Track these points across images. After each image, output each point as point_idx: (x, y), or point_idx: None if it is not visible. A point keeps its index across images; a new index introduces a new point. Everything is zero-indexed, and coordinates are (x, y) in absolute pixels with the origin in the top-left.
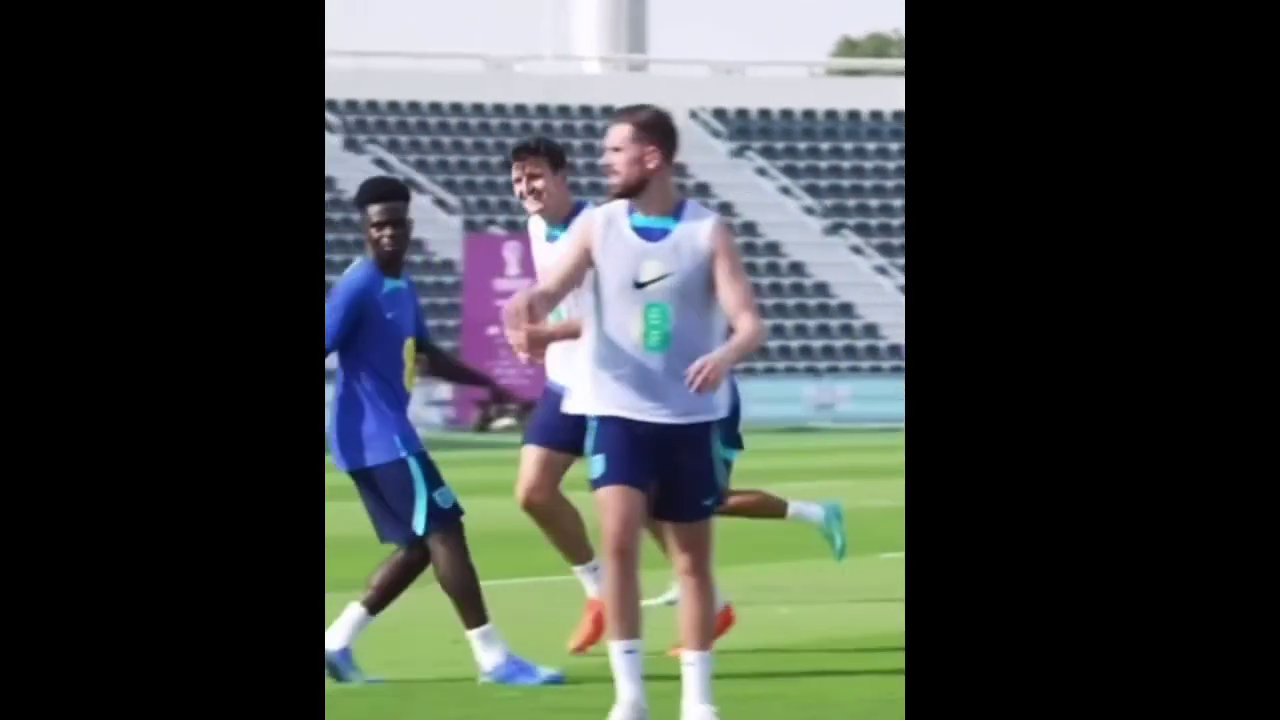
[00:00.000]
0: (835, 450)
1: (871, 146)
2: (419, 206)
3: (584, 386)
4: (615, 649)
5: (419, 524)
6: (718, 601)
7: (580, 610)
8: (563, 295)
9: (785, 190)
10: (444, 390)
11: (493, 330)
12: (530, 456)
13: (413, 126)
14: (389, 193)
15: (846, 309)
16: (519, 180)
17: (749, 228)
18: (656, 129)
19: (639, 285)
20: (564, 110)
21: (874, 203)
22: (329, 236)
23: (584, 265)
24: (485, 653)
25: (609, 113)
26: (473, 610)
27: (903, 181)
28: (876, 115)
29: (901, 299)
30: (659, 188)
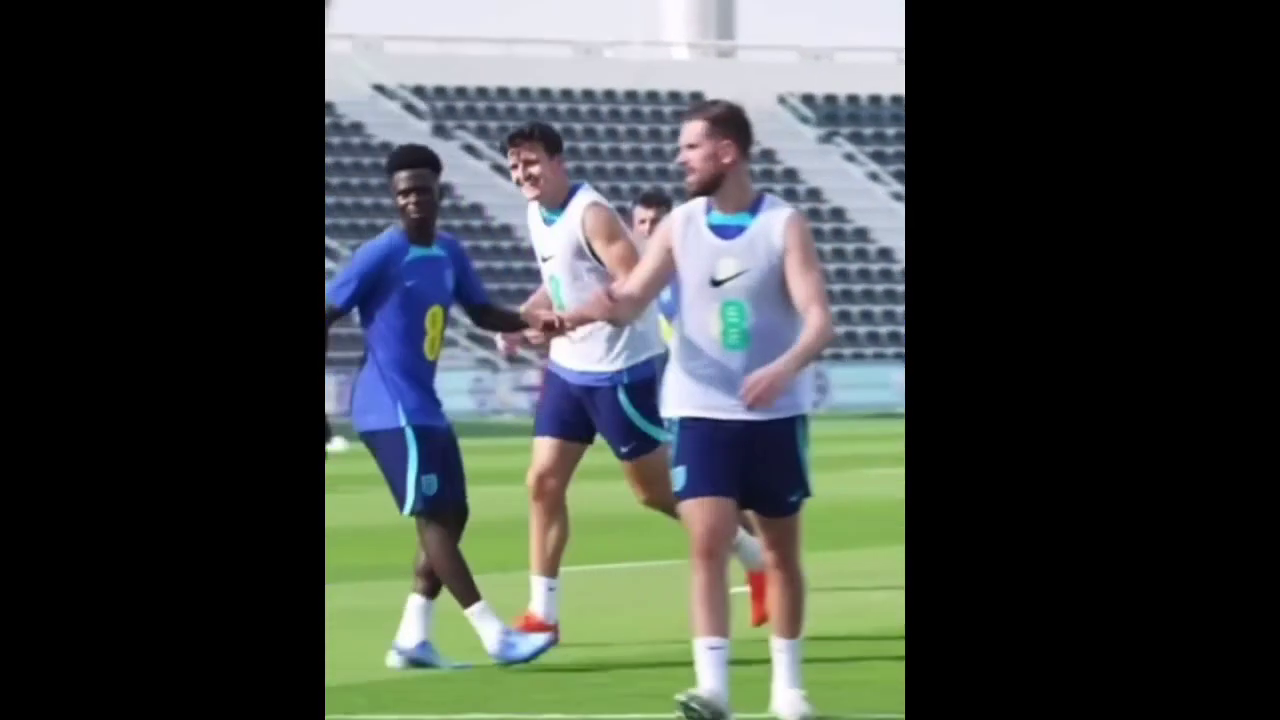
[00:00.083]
0: None
1: None
2: (507, 192)
3: (670, 387)
4: (700, 645)
5: (408, 501)
6: None
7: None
8: (649, 298)
9: (873, 176)
10: (533, 376)
11: None
12: (544, 444)
13: (501, 112)
14: (416, 160)
15: None
16: (515, 166)
17: (837, 214)
18: (731, 123)
19: (715, 283)
20: (653, 96)
21: None
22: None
23: (668, 265)
24: (484, 630)
25: (697, 98)
26: (463, 593)
27: None
28: None
29: None
30: (735, 183)
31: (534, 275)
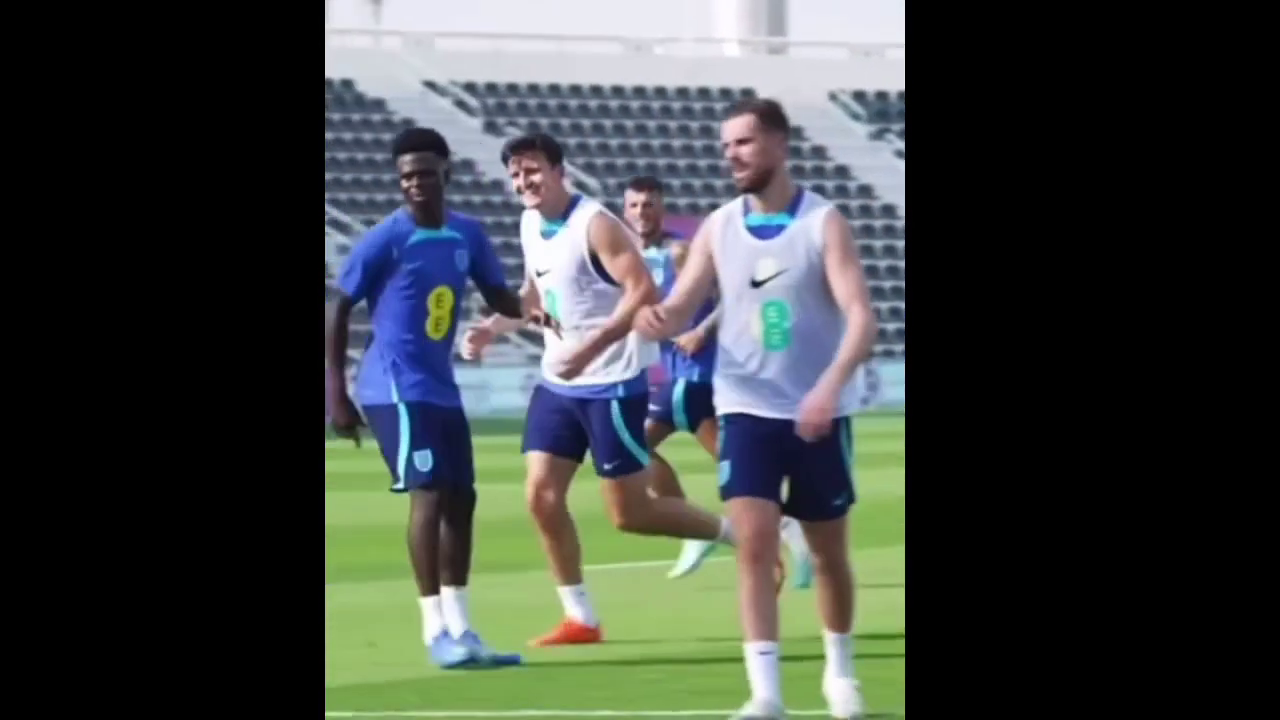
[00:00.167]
0: None
1: None
2: None
3: (717, 386)
4: (750, 650)
5: (400, 477)
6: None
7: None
8: (694, 306)
9: None
10: None
11: None
12: (536, 459)
13: (553, 109)
14: (420, 143)
15: None
16: (516, 175)
17: (888, 210)
18: (779, 119)
19: (755, 284)
20: (704, 93)
21: None
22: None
23: (710, 271)
24: (427, 624)
25: (749, 96)
26: (423, 577)
27: None
28: None
29: None
30: (780, 180)
31: None
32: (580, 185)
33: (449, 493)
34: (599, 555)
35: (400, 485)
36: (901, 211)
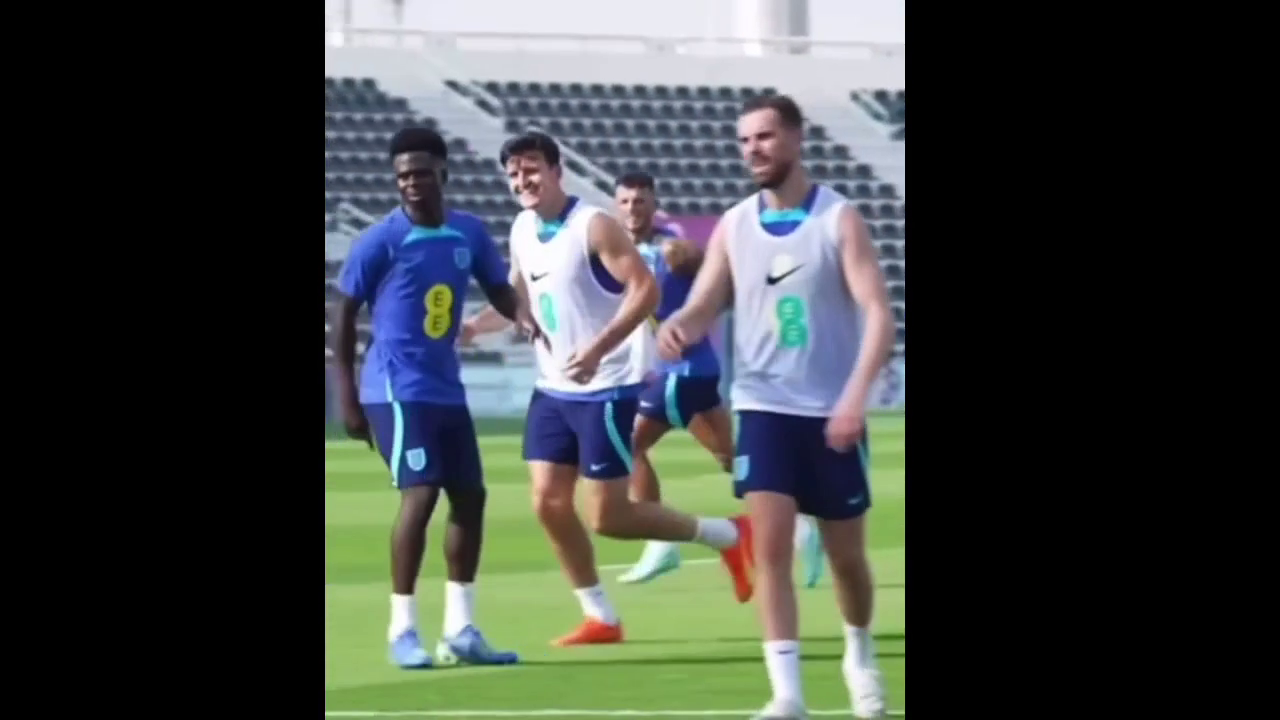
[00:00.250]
0: None
1: None
2: (581, 189)
3: (735, 385)
4: (770, 649)
5: (393, 475)
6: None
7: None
8: (713, 308)
9: None
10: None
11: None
12: (538, 468)
13: (575, 109)
14: (415, 143)
15: None
16: (515, 175)
17: None
18: (796, 114)
19: (771, 280)
20: (725, 93)
21: None
22: (490, 219)
23: (727, 270)
24: (394, 622)
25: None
26: (398, 575)
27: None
28: None
29: None
30: (796, 176)
31: None
32: (602, 185)
33: (456, 492)
34: (618, 555)
35: (397, 484)
36: None
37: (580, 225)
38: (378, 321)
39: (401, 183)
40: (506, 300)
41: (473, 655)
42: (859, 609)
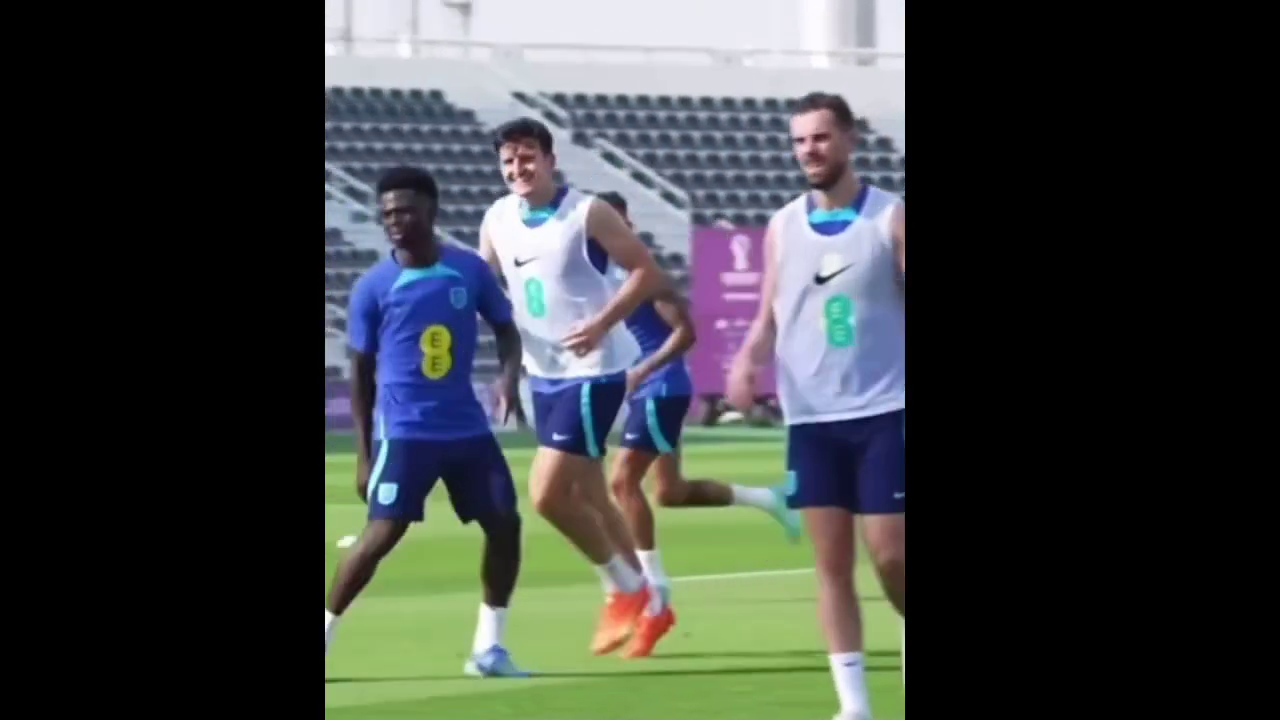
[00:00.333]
0: None
1: None
2: (647, 200)
3: (781, 393)
4: (836, 661)
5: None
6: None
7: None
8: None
9: None
10: None
11: (721, 324)
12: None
13: (641, 120)
14: (399, 181)
15: None
16: (510, 161)
17: None
18: (850, 115)
19: (820, 280)
20: (792, 104)
21: None
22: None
23: None
24: (328, 636)
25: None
26: (335, 595)
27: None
28: None
29: None
30: (848, 176)
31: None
32: (668, 196)
33: (483, 522)
34: (686, 567)
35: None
36: None
37: (579, 211)
38: (380, 365)
39: (386, 221)
40: (506, 340)
41: (494, 673)
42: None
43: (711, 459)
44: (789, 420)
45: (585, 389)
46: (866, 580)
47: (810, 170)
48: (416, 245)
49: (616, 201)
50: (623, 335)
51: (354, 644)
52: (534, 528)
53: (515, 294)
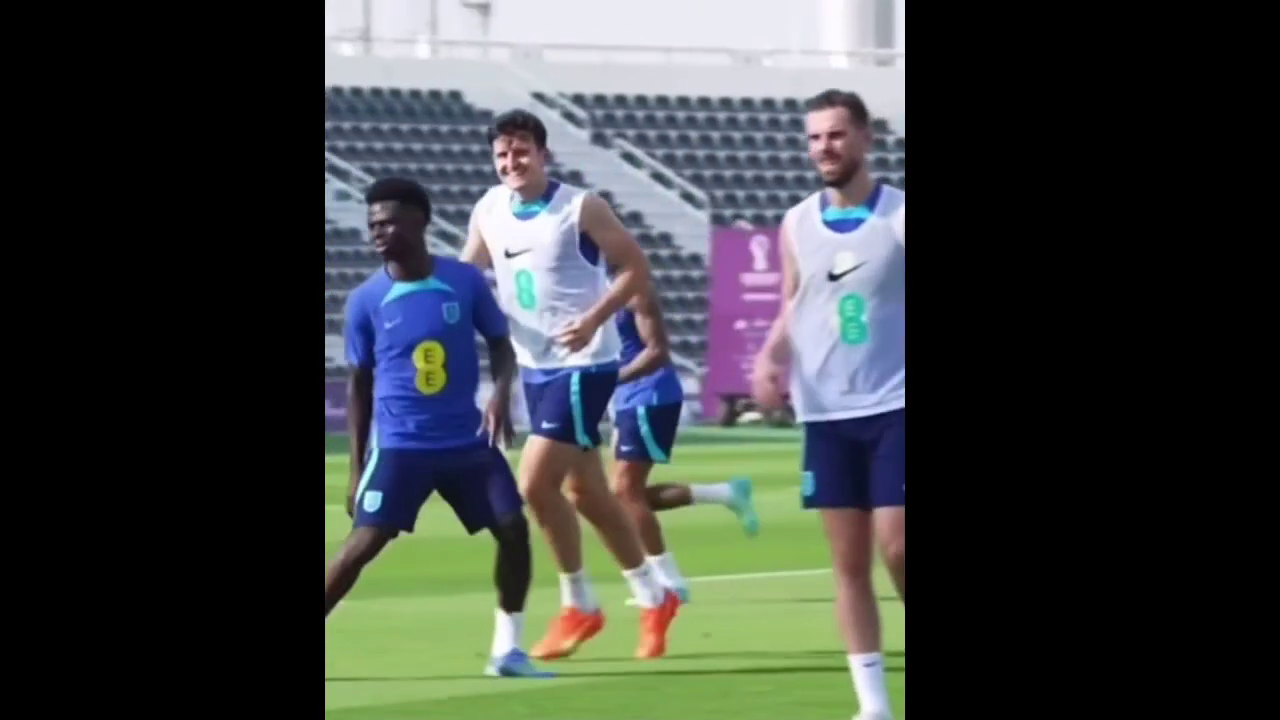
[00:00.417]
0: None
1: None
2: (666, 200)
3: (794, 390)
4: (855, 662)
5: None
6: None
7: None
8: None
9: None
10: (691, 384)
11: (740, 325)
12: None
13: (660, 121)
14: (385, 193)
15: None
16: (503, 154)
17: None
18: (865, 112)
19: (833, 277)
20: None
21: None
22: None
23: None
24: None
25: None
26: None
27: None
28: None
29: None
30: (862, 174)
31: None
32: (687, 197)
33: (491, 530)
34: (705, 567)
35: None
36: None
37: (573, 206)
38: (376, 379)
39: (371, 233)
40: (499, 355)
41: (512, 675)
42: None
43: (730, 459)
44: (802, 417)
45: (575, 378)
46: (881, 581)
47: (824, 167)
48: (403, 257)
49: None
50: (611, 326)
51: (372, 644)
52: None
53: (505, 285)
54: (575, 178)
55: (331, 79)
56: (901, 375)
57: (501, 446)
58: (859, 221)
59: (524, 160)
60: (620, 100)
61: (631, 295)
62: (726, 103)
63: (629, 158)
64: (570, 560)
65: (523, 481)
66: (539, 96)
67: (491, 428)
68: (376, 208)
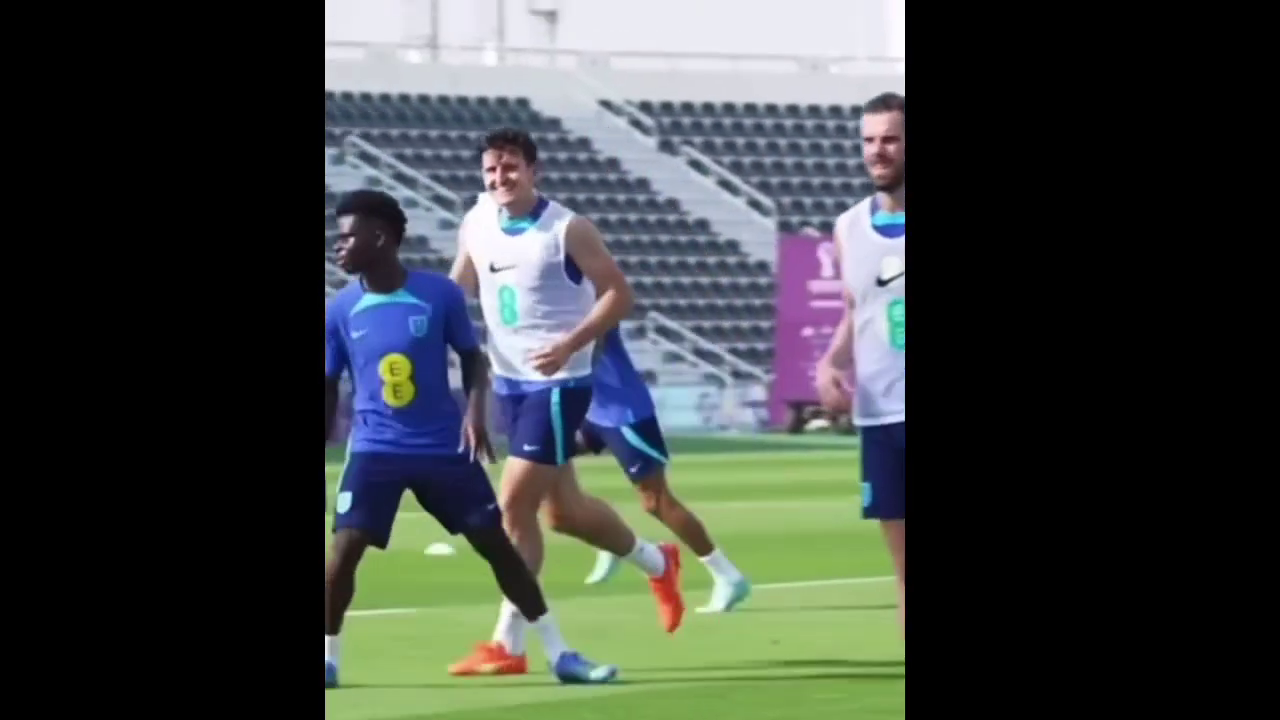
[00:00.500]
0: None
1: None
2: (733, 208)
3: (857, 391)
4: None
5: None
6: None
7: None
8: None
9: None
10: (758, 391)
11: (808, 331)
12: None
13: (727, 128)
14: (346, 207)
15: None
16: (493, 169)
17: None
18: None
19: (881, 283)
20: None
21: None
22: (643, 238)
23: None
24: (328, 653)
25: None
26: (329, 617)
27: None
28: None
29: None
30: None
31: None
32: (754, 204)
33: (467, 537)
34: (773, 574)
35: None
36: None
37: (559, 227)
38: (354, 387)
39: (335, 248)
40: (470, 367)
41: (573, 677)
42: None
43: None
44: (856, 422)
45: (555, 394)
46: (854, 593)
47: (876, 171)
48: (367, 270)
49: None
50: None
51: (439, 650)
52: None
53: (488, 299)
54: (642, 185)
55: (398, 86)
56: None
57: (485, 463)
58: None
59: (513, 175)
60: (687, 107)
61: (611, 323)
62: (793, 110)
63: (696, 165)
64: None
65: (503, 499)
66: (606, 104)
67: (473, 445)
68: (341, 222)
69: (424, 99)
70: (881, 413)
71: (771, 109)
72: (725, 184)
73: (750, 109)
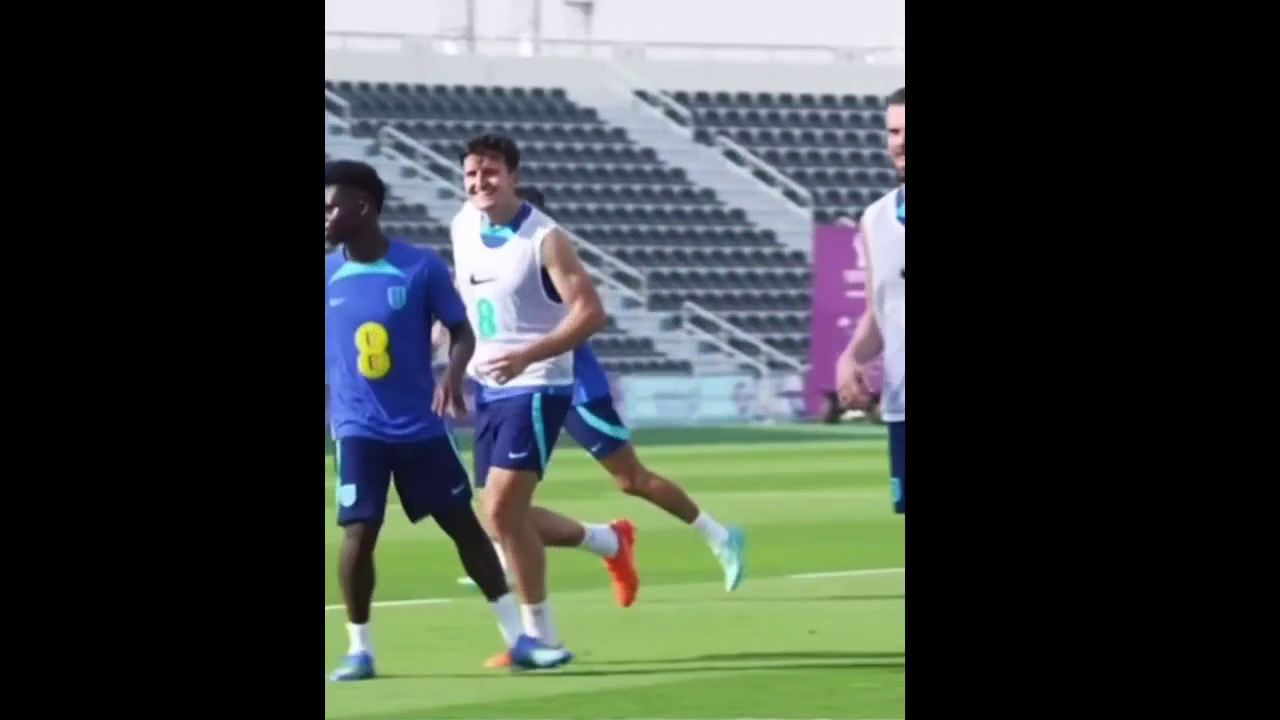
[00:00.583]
0: None
1: None
2: (769, 198)
3: (886, 388)
4: None
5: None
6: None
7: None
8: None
9: None
10: (794, 382)
11: (844, 322)
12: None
13: (763, 119)
14: (331, 176)
15: None
16: (473, 174)
17: None
18: None
19: (904, 274)
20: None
21: None
22: (679, 229)
23: None
24: (351, 645)
25: None
26: (347, 606)
27: None
28: None
29: None
30: None
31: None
32: (790, 194)
33: (438, 521)
34: (810, 563)
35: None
36: None
37: (535, 239)
38: (328, 367)
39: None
40: (459, 338)
41: (527, 663)
42: None
43: (833, 456)
44: (884, 417)
45: (536, 400)
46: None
47: (900, 163)
48: (350, 240)
49: (534, 195)
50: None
51: (473, 641)
52: (654, 524)
53: (470, 311)
54: (678, 176)
55: (434, 78)
56: None
57: (450, 413)
58: None
59: (493, 180)
60: (723, 98)
61: (576, 340)
62: (829, 100)
63: (732, 155)
64: (533, 592)
65: (494, 512)
66: (641, 94)
67: (441, 397)
68: (327, 192)
69: (460, 90)
70: (903, 409)
71: (807, 99)
72: (761, 174)
73: (786, 99)
